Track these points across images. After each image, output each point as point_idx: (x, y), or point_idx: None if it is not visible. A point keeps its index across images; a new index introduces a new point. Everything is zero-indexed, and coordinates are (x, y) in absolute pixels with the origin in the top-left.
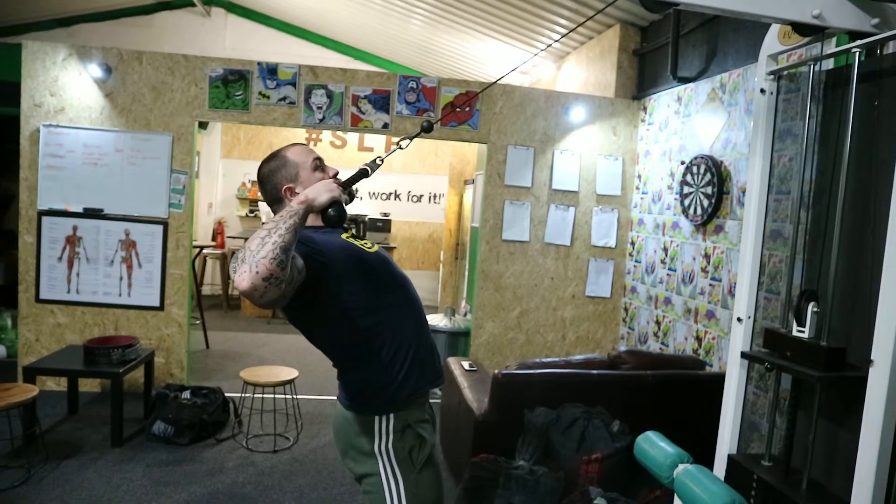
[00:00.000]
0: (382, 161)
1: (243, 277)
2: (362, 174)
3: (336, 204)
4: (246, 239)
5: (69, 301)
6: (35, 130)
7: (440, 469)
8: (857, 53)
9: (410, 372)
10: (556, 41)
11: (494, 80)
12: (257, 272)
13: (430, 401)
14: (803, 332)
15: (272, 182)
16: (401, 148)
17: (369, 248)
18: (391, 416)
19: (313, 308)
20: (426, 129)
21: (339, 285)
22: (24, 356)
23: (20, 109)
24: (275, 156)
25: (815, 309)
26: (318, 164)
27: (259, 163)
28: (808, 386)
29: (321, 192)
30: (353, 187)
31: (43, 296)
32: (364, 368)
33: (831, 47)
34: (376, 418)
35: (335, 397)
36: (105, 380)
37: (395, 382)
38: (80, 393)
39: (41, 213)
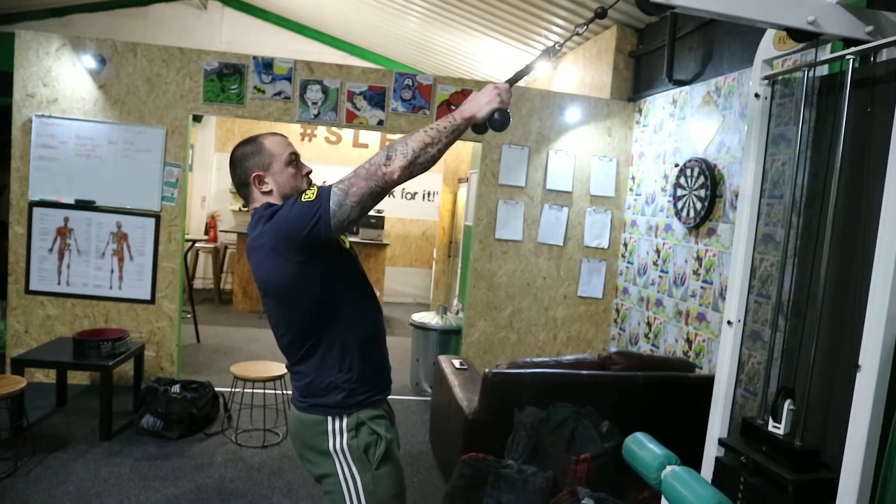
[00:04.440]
0: (559, 48)
1: (399, 171)
2: (529, 68)
3: (498, 111)
4: (239, 234)
5: (59, 293)
6: (27, 121)
7: (401, 464)
8: (851, 60)
9: (365, 375)
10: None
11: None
12: (412, 173)
13: (420, 398)
14: (779, 428)
15: (243, 166)
16: (578, 34)
17: (348, 247)
18: (343, 415)
19: (310, 271)
20: (600, 16)
21: (327, 266)
22: (13, 348)
23: (12, 99)
24: (252, 140)
25: (791, 407)
26: (293, 159)
27: None
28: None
29: (482, 105)
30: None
31: (33, 287)
32: (318, 367)
33: (826, 54)
34: (328, 418)
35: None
36: (94, 372)
37: (347, 381)
38: (69, 385)
39: (32, 204)
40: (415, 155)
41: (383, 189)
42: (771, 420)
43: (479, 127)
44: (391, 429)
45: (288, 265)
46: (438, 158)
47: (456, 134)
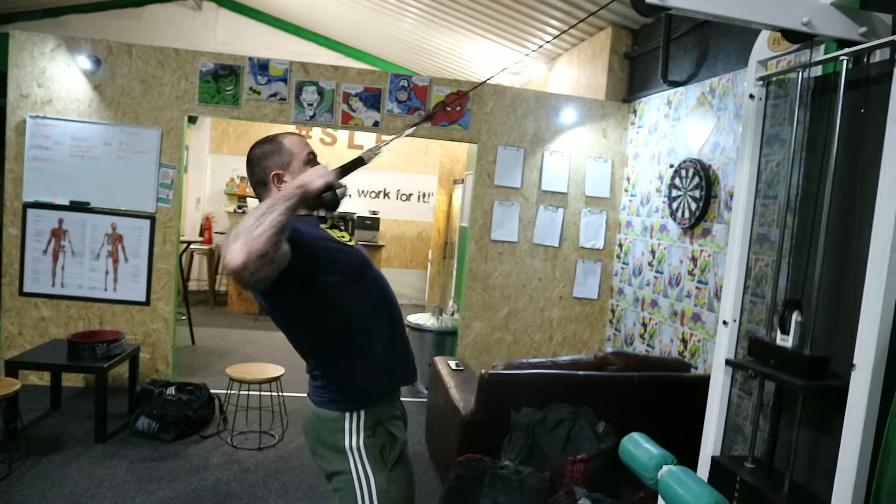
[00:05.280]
0: (380, 150)
1: (238, 252)
2: (358, 163)
3: (331, 189)
4: None
5: (54, 295)
6: (21, 121)
7: (412, 466)
8: (845, 61)
9: (382, 369)
10: (548, 42)
11: (484, 80)
12: (252, 249)
13: (416, 400)
14: (787, 340)
15: (262, 165)
16: (407, 136)
17: (347, 241)
18: (361, 413)
19: (290, 296)
20: (429, 117)
21: (318, 275)
22: (7, 350)
23: (6, 100)
24: (271, 139)
25: (799, 318)
26: (312, 159)
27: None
28: (791, 393)
29: (315, 177)
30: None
31: (27, 289)
32: (335, 364)
33: (820, 54)
34: (346, 415)
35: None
36: (89, 374)
37: (365, 379)
38: (64, 387)
39: (26, 206)
40: (249, 230)
41: (237, 279)
42: (779, 333)
43: (320, 201)
44: (405, 431)
45: (272, 292)
46: (283, 228)
47: (291, 201)
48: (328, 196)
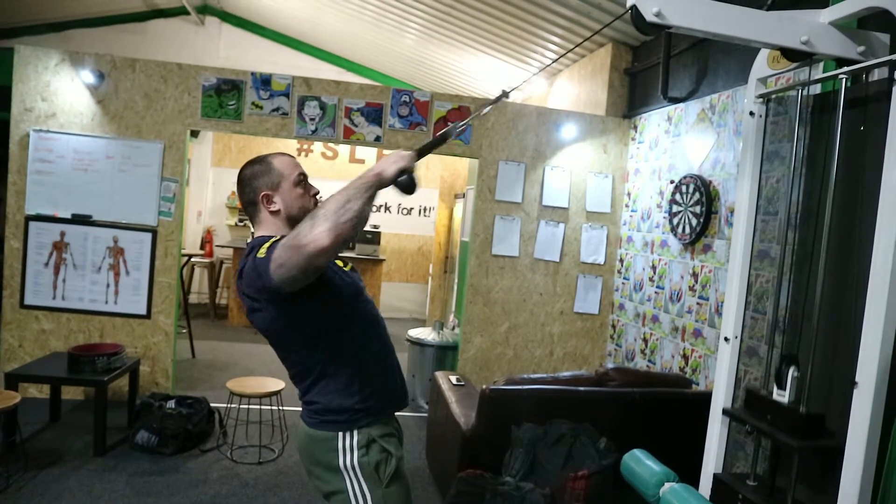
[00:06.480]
0: (464, 128)
1: (325, 235)
2: (442, 140)
3: (406, 172)
4: (235, 249)
5: (54, 307)
6: (25, 135)
7: (409, 482)
8: (844, 80)
9: (370, 393)
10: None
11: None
12: (339, 234)
13: (417, 415)
14: (783, 396)
15: (252, 185)
16: (480, 116)
17: (343, 265)
18: (354, 432)
19: (293, 315)
20: (505, 95)
21: (321, 297)
22: (7, 362)
23: (10, 114)
24: (261, 160)
25: (796, 374)
26: (302, 180)
27: None
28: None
29: (389, 164)
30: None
31: (28, 301)
32: (325, 386)
33: (819, 73)
34: (339, 435)
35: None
36: (89, 388)
37: (355, 402)
38: (63, 400)
39: (28, 218)
40: (336, 214)
41: (309, 261)
42: (775, 388)
43: (396, 184)
44: (400, 448)
45: (265, 311)
46: (363, 215)
47: (371, 190)
48: (403, 180)
